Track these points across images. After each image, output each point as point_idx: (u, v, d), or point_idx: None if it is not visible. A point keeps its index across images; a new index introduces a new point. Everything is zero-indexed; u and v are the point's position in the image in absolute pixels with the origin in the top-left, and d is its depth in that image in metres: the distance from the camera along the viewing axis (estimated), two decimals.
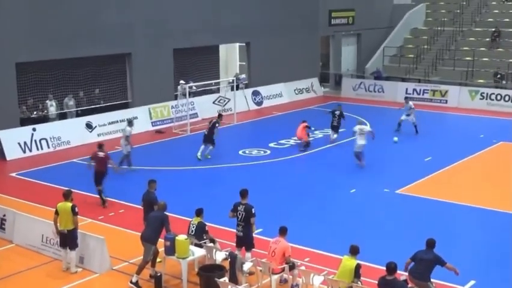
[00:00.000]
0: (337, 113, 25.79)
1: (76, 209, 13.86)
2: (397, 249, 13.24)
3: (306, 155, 24.05)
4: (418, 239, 15.60)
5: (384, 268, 11.21)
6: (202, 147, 23.50)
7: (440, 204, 18.39)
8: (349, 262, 11.64)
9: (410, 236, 15.81)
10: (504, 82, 34.41)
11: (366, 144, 22.32)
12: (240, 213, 13.70)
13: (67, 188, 14.81)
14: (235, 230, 13.95)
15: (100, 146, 19.03)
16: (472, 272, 13.95)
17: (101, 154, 18.70)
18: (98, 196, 18.45)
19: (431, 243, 11.91)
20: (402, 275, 11.88)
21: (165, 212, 13.63)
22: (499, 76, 34.62)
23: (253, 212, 13.60)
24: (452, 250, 14.95)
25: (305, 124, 24.81)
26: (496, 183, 20.73)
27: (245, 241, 13.77)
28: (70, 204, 13.83)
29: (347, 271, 11.61)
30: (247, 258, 13.47)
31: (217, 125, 23.46)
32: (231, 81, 31.52)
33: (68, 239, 13.89)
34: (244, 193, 13.87)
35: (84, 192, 19.50)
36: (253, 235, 13.91)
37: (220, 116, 24.75)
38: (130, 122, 22.59)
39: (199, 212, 14.25)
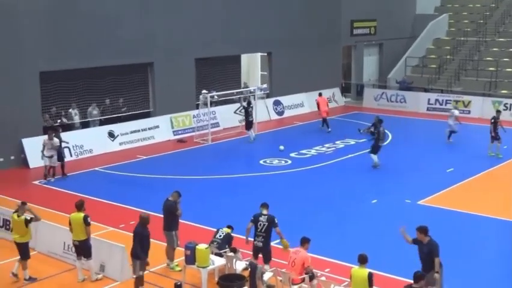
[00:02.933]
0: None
1: (89, 219, 13.83)
2: (418, 261, 13.08)
3: (327, 165, 23.95)
4: (441, 250, 15.49)
5: (405, 279, 11.10)
6: (249, 132, 28.03)
7: (463, 216, 18.21)
8: (361, 272, 11.48)
9: None
10: None
11: None
12: (261, 224, 13.72)
13: (80, 199, 14.79)
14: (253, 240, 13.91)
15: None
16: (494, 283, 13.81)
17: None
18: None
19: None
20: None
21: (145, 228, 13.23)
22: None
23: (276, 222, 13.72)
24: (474, 262, 14.81)
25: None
26: None
27: (264, 252, 13.76)
28: (82, 215, 13.83)
29: (361, 282, 11.44)
30: (265, 269, 13.44)
31: (250, 109, 28.00)
32: (252, 90, 31.56)
33: (82, 249, 13.95)
34: (265, 205, 14.03)
35: (105, 201, 19.66)
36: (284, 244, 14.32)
37: (249, 102, 28.52)
38: (49, 134, 22.41)
39: (229, 226, 14.66)
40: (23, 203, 14.48)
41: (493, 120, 25.22)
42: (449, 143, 27.34)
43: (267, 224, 13.67)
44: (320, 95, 32.00)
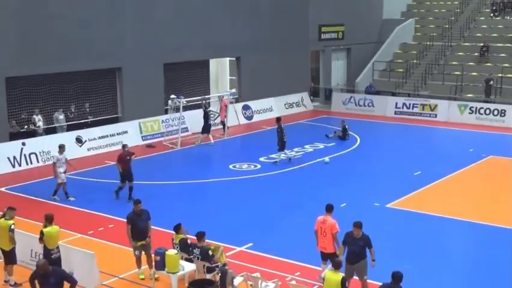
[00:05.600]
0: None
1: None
2: (388, 264, 13.21)
3: (296, 169, 24.04)
4: (408, 252, 15.66)
5: (375, 282, 11.18)
6: (201, 135, 28.36)
7: (430, 218, 18.42)
8: (334, 277, 11.52)
9: (401, 250, 15.84)
10: (493, 96, 34.61)
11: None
12: (195, 256, 13.53)
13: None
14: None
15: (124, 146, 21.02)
16: (461, 285, 13.99)
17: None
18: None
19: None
20: None
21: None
22: (491, 82, 34.73)
23: (210, 254, 13.42)
24: (442, 263, 15.00)
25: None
26: (486, 197, 20.83)
27: None
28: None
29: (335, 286, 11.51)
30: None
31: (210, 114, 28.62)
32: (223, 96, 31.50)
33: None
34: (200, 235, 13.61)
35: (74, 207, 19.47)
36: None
37: (206, 106, 28.54)
38: (61, 147, 20.62)
39: (177, 229, 14.21)
40: (11, 208, 14.11)
41: None
42: None
43: (200, 257, 13.38)
44: (223, 97, 30.85)
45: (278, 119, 25.35)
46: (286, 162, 24.81)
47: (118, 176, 20.52)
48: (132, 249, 14.34)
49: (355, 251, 12.79)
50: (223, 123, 30.22)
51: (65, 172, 20.36)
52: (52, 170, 20.58)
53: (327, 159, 25.07)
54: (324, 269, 13.45)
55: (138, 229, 14.10)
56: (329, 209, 13.77)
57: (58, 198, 20.38)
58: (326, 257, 13.62)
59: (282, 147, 24.73)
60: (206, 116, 28.35)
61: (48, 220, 13.53)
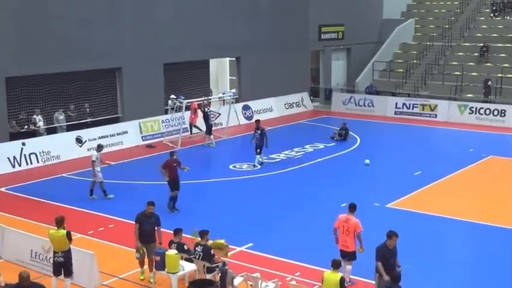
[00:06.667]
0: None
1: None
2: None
3: (296, 169, 24.03)
4: (408, 252, 15.65)
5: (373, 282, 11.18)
6: (211, 137, 28.13)
7: (430, 218, 18.42)
8: (333, 276, 11.51)
9: (401, 250, 15.80)
10: (492, 97, 34.61)
11: None
12: (197, 254, 13.50)
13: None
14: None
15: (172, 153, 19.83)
16: (461, 285, 13.99)
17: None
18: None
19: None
20: None
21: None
22: (489, 83, 34.73)
23: (212, 253, 13.41)
24: (441, 263, 15.00)
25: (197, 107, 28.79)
26: (485, 197, 20.82)
27: None
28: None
29: (333, 286, 11.51)
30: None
31: (208, 113, 28.49)
32: (221, 95, 31.55)
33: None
34: (203, 233, 13.67)
35: (74, 207, 19.45)
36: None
37: (204, 107, 28.48)
38: (100, 146, 20.91)
39: (176, 232, 14.16)
40: None
41: None
42: None
43: (202, 254, 13.40)
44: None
45: (258, 121, 24.97)
46: (286, 163, 24.80)
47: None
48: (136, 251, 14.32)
49: (394, 263, 12.33)
50: (190, 125, 29.61)
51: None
52: (92, 169, 20.33)
53: (367, 161, 24.63)
54: (348, 269, 13.33)
55: (143, 231, 14.07)
56: (352, 208, 13.74)
57: (96, 197, 20.32)
58: (346, 255, 13.48)
59: (260, 149, 24.27)
60: (206, 117, 28.34)
61: (57, 223, 13.37)
